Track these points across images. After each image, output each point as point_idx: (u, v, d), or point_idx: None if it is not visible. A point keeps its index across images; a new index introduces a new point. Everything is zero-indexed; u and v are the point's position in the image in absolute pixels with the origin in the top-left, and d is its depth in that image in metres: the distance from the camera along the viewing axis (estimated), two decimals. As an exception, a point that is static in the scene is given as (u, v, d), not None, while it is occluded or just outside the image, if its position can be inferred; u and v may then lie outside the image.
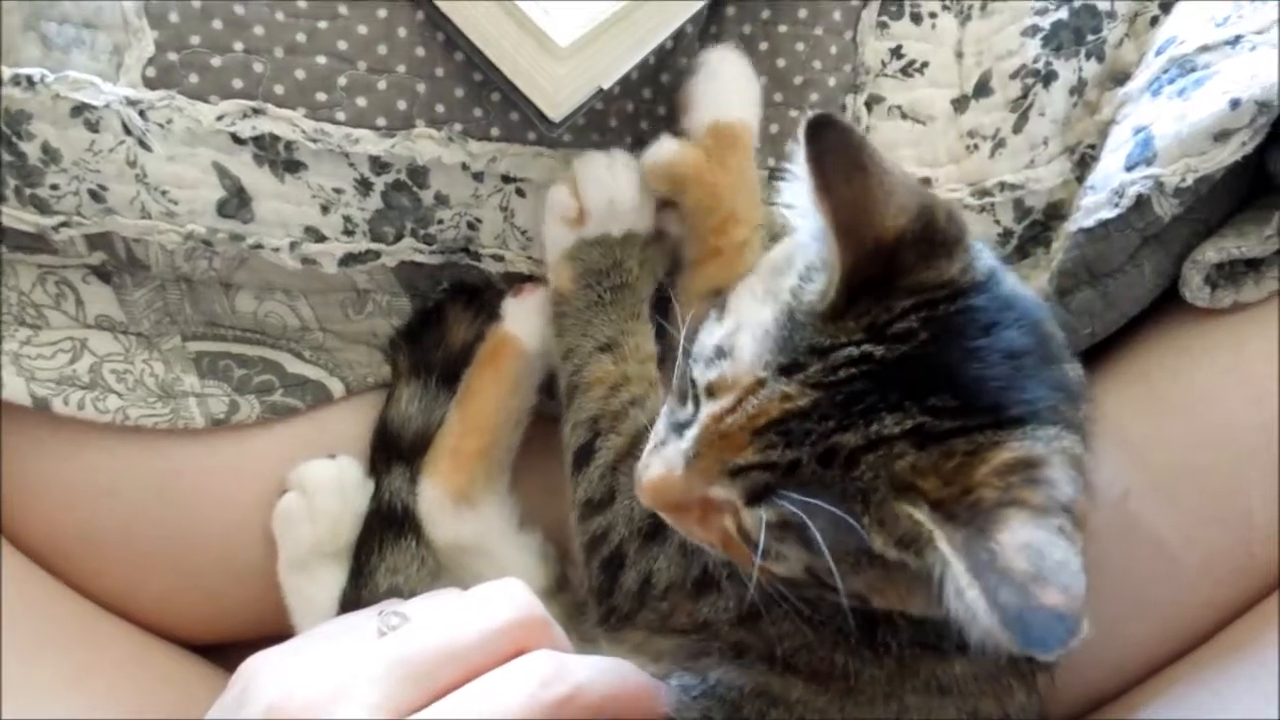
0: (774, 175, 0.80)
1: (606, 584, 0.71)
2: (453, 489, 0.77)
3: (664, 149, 0.74)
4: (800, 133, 0.56)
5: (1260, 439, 0.66)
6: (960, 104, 0.80)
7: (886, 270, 0.55)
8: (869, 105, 0.80)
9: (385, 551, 0.76)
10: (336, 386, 0.81)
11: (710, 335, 0.61)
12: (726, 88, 0.76)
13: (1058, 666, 0.69)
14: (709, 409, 0.58)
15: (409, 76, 0.74)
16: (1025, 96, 0.78)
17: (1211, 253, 0.72)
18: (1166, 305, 0.76)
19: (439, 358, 0.81)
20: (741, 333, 0.58)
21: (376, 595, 0.74)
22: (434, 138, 0.75)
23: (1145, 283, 0.74)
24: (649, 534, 0.69)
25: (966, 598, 0.48)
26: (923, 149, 0.80)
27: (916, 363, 0.54)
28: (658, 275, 0.78)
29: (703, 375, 0.59)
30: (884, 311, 0.55)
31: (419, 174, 0.76)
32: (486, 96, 0.76)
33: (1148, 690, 0.72)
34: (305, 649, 0.59)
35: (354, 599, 0.75)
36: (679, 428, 0.60)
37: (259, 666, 0.56)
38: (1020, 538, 0.49)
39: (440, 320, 0.83)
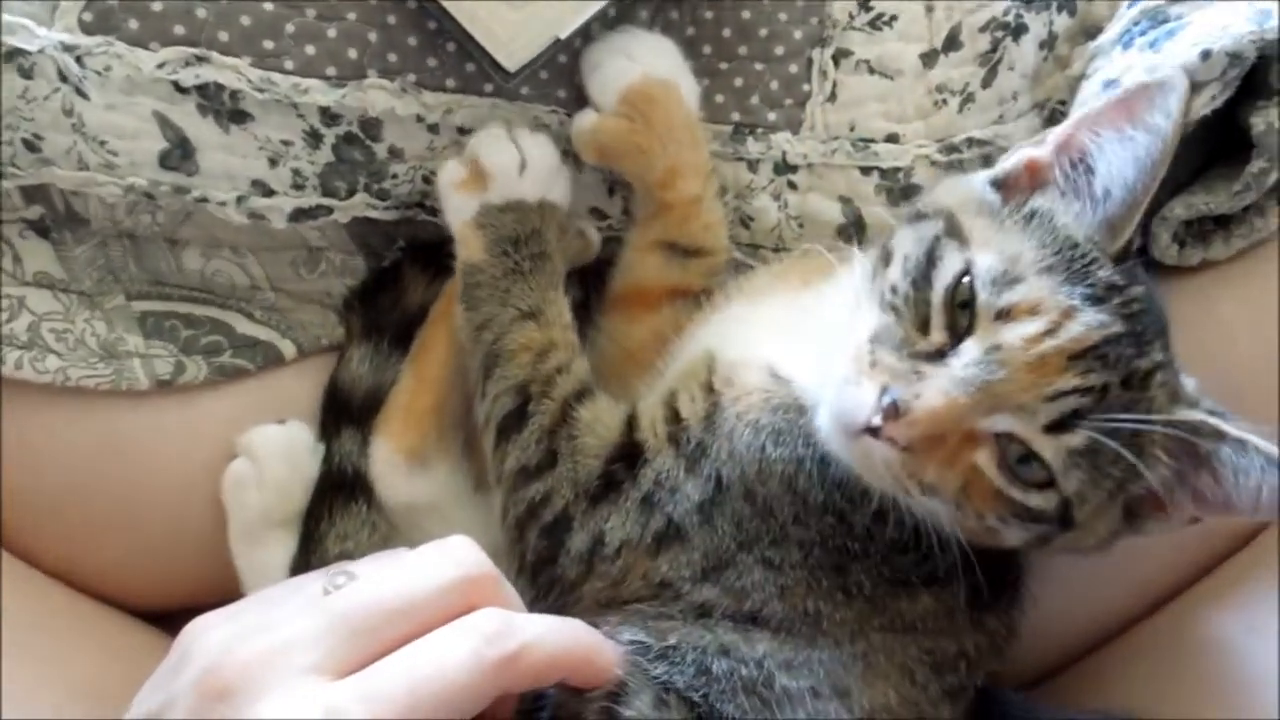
0: (739, 130, 0.79)
1: (549, 551, 0.68)
2: (405, 448, 0.75)
3: (583, 121, 0.73)
4: (1176, 87, 0.60)
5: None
6: (929, 58, 0.78)
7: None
8: (836, 59, 0.78)
9: (335, 517, 0.74)
10: (288, 348, 0.79)
11: (981, 260, 0.60)
12: (616, 57, 0.74)
13: (1014, 609, 0.68)
14: (1017, 332, 0.57)
15: (360, 24, 0.72)
16: (995, 50, 0.76)
17: (1180, 209, 0.71)
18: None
19: (393, 319, 0.79)
20: (1020, 262, 0.60)
21: (326, 561, 0.72)
22: (386, 88, 0.73)
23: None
24: (596, 496, 0.67)
25: (1269, 456, 0.56)
26: (890, 104, 0.78)
27: (1152, 302, 0.62)
28: (570, 260, 0.76)
29: (994, 299, 0.58)
30: (1132, 256, 0.61)
31: (371, 126, 0.73)
32: (441, 46, 0.73)
33: (1113, 652, 0.71)
34: (248, 611, 0.57)
35: (304, 566, 0.73)
36: (930, 356, 0.59)
37: (199, 629, 0.54)
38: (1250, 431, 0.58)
39: (396, 280, 0.81)
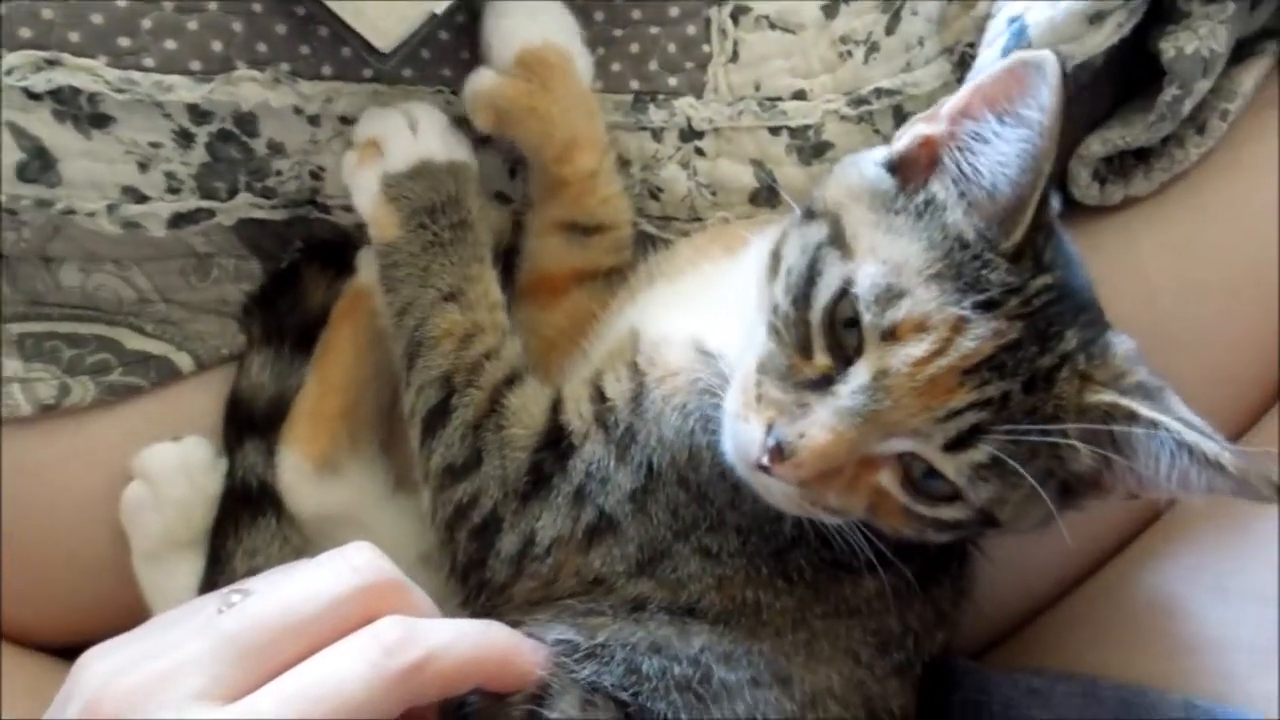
0: (639, 99, 0.75)
1: (479, 554, 0.65)
2: (314, 455, 0.72)
3: (481, 79, 0.69)
4: (1046, 74, 0.54)
5: (1153, 342, 0.63)
6: (830, 9, 0.74)
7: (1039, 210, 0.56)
8: (735, 17, 0.74)
9: (242, 533, 0.70)
10: (185, 361, 0.75)
11: (863, 275, 0.56)
12: (521, 15, 0.70)
13: (962, 576, 0.66)
14: (906, 353, 0.54)
15: (222, 14, 0.68)
16: (896, -5, 0.73)
17: (1097, 146, 0.68)
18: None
19: (294, 322, 0.75)
20: (906, 271, 0.55)
21: (235, 580, 0.67)
22: (258, 80, 0.69)
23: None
24: (526, 494, 0.64)
25: (1179, 439, 0.53)
26: (795, 60, 0.75)
27: (1065, 286, 0.57)
28: (495, 232, 0.73)
29: (878, 319, 0.54)
30: (1038, 244, 0.57)
31: (246, 121, 0.70)
32: (313, 32, 0.69)
33: (1059, 614, 0.69)
34: (139, 637, 0.54)
35: (211, 586, 0.69)
36: (815, 385, 0.56)
37: (87, 660, 0.51)
38: (1182, 406, 0.56)
39: (295, 282, 0.77)
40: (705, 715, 0.58)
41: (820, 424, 0.54)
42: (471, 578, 0.65)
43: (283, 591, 0.52)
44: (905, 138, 0.61)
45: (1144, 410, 0.54)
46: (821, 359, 0.57)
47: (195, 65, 0.68)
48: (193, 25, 0.67)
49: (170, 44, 0.67)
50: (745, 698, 0.59)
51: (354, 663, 0.49)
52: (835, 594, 0.62)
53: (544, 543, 0.63)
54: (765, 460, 0.55)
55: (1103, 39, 0.63)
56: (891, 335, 0.54)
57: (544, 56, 0.69)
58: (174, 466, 0.71)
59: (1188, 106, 0.66)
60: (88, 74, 0.65)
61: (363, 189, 0.68)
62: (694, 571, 0.61)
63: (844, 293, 0.56)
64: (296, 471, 0.71)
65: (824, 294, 0.57)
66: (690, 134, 0.76)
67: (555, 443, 0.64)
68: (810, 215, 0.62)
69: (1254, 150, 0.69)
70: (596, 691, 0.58)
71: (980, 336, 0.54)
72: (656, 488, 0.62)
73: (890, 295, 0.55)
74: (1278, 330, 0.66)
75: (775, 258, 0.61)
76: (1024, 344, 0.55)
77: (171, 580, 0.71)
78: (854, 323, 0.56)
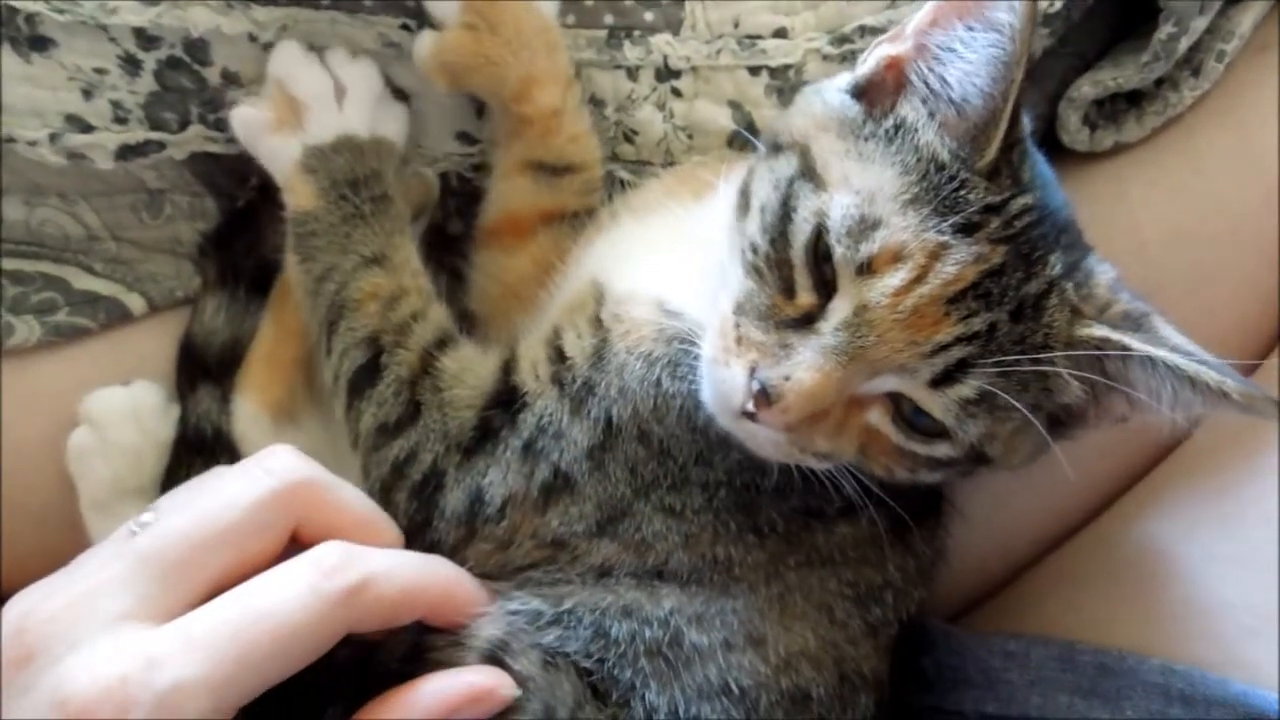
0: (614, 35, 0.72)
1: (421, 514, 0.62)
2: (270, 403, 0.69)
3: (422, 44, 0.66)
4: None
5: (1143, 292, 0.61)
6: (814, -59, 0.71)
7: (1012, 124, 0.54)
8: (713, -51, 0.71)
9: (194, 481, 0.67)
10: (136, 302, 0.72)
11: (835, 208, 0.53)
12: None
13: (939, 528, 0.65)
14: (884, 285, 0.51)
15: (172, -68, 0.64)
16: (881, -73, 0.70)
17: (1087, 88, 0.65)
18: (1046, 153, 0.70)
19: (249, 264, 0.72)
20: (879, 199, 0.53)
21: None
22: (209, 4, 0.65)
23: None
24: (470, 448, 0.61)
25: (1177, 371, 0.51)
26: (776, -5, 0.72)
27: (1045, 206, 0.55)
28: (412, 205, 0.70)
29: (854, 252, 0.52)
30: (1013, 161, 0.54)
31: (197, 48, 0.66)
32: (269, -46, 0.66)
33: (1040, 574, 0.67)
34: (61, 573, 0.52)
35: (162, 536, 0.67)
36: (796, 324, 0.54)
37: (12, 601, 0.50)
38: (1170, 330, 0.54)
39: (252, 222, 0.74)
40: (675, 680, 0.56)
41: (806, 364, 0.52)
42: (417, 542, 0.61)
43: (197, 504, 0.51)
44: (870, 60, 0.58)
45: (1138, 346, 0.52)
46: (805, 297, 0.54)
47: (142, -13, 0.64)
48: (140, -57, 0.64)
49: (115, -38, 0.63)
50: (718, 660, 0.57)
51: (291, 584, 0.48)
52: (808, 543, 0.60)
53: (495, 501, 0.60)
54: (750, 406, 0.53)
55: (1097, -27, 0.61)
56: (868, 268, 0.52)
57: (481, 5, 0.65)
58: (122, 412, 0.68)
59: (1183, 46, 0.63)
60: (26, -8, 0.62)
61: (277, 155, 0.65)
62: (658, 530, 0.59)
63: (822, 225, 0.53)
64: (252, 419, 0.69)
65: (802, 230, 0.54)
66: (666, 73, 0.72)
67: (507, 402, 0.62)
68: (777, 148, 0.59)
69: (1250, 96, 0.66)
70: (559, 656, 0.56)
71: (961, 261, 0.52)
72: (615, 444, 0.60)
73: (864, 226, 0.52)
74: (1271, 281, 0.64)
75: (744, 195, 0.59)
76: (1008, 269, 0.52)
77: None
78: (830, 258, 0.53)
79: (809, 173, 0.56)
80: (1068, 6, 0.62)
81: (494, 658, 0.55)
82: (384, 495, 0.62)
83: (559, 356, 0.62)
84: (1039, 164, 0.57)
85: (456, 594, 0.55)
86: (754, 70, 0.72)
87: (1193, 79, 0.65)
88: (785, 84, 0.72)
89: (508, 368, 0.63)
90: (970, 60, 0.53)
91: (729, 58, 0.72)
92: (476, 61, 0.66)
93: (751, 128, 0.73)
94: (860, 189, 0.54)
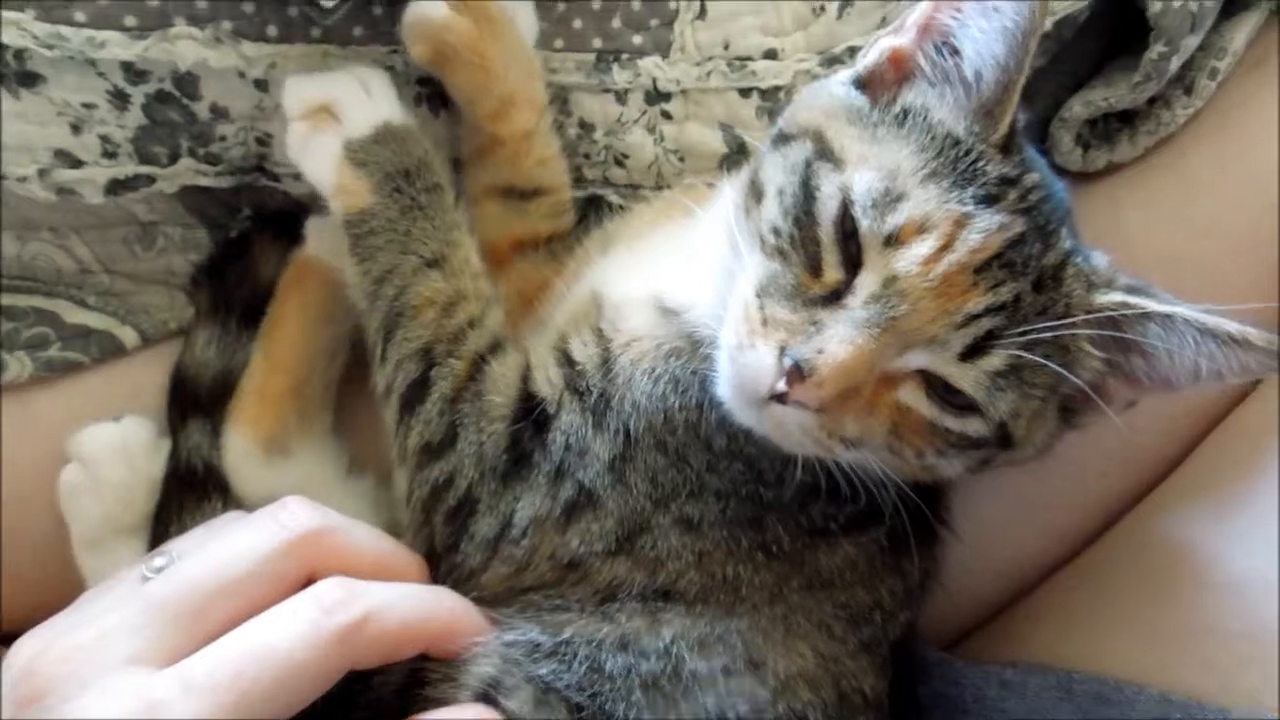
0: (602, 58, 0.71)
1: (453, 538, 0.62)
2: (262, 436, 0.68)
3: (433, 9, 0.64)
4: None
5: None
6: (803, -39, 0.71)
7: None
8: (702, -29, 0.71)
9: (185, 518, 0.67)
10: (129, 335, 0.72)
11: (858, 183, 0.54)
12: None
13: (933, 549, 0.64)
14: (911, 255, 0.52)
15: (158, -34, 0.64)
16: (871, -53, 0.70)
17: (1079, 108, 0.64)
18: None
19: (242, 295, 0.72)
20: (901, 175, 0.54)
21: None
22: (197, 38, 0.65)
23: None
24: (506, 474, 0.61)
25: (1198, 325, 0.52)
26: (766, 17, 0.71)
27: (1048, 185, 0.56)
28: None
29: (878, 224, 0.53)
30: (1019, 141, 0.56)
31: (186, 82, 0.66)
32: (257, -13, 0.66)
33: (1039, 599, 0.67)
34: (69, 614, 0.53)
35: (155, 574, 0.67)
36: (825, 301, 0.54)
37: (18, 644, 0.51)
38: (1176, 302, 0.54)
39: (245, 253, 0.74)
40: (671, 712, 0.56)
41: (839, 338, 0.52)
42: (444, 563, 0.62)
43: (211, 553, 0.52)
44: (872, 53, 0.59)
45: (1155, 305, 0.53)
46: (833, 274, 0.54)
47: (130, 21, 0.64)
48: (126, -22, 0.64)
49: (102, -2, 0.63)
50: (717, 688, 0.57)
51: (291, 622, 0.49)
52: (811, 564, 0.60)
53: (521, 524, 0.60)
54: (783, 385, 0.52)
55: (1088, -8, 0.60)
56: (895, 240, 0.52)
57: (486, 5, 0.65)
58: (112, 448, 0.68)
59: (1175, 65, 0.62)
60: (14, 28, 0.62)
61: (320, 156, 0.64)
62: (674, 547, 0.59)
63: (847, 201, 0.54)
64: (243, 453, 0.68)
65: (828, 206, 0.54)
66: (656, 96, 0.72)
67: (530, 412, 0.61)
68: (784, 139, 0.60)
69: (1243, 114, 0.66)
70: (551, 691, 0.56)
71: (986, 229, 0.53)
72: (634, 454, 0.60)
73: (888, 199, 0.53)
74: (1267, 302, 0.63)
75: (754, 185, 0.59)
76: (1028, 239, 0.54)
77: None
78: (854, 234, 0.54)
79: (827, 154, 0.56)
80: (1059, 26, 0.61)
81: (487, 696, 0.54)
82: (424, 515, 0.62)
83: (568, 361, 0.62)
84: (1033, 150, 0.58)
85: (459, 626, 0.55)
86: (744, 92, 0.72)
87: (1185, 97, 0.65)
88: (776, 105, 0.72)
89: (526, 376, 0.63)
90: (985, 31, 0.54)
91: (719, 80, 0.72)
92: (472, 57, 0.65)
93: (743, 150, 0.73)
94: (880, 166, 0.54)
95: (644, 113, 0.73)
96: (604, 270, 0.67)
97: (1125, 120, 0.66)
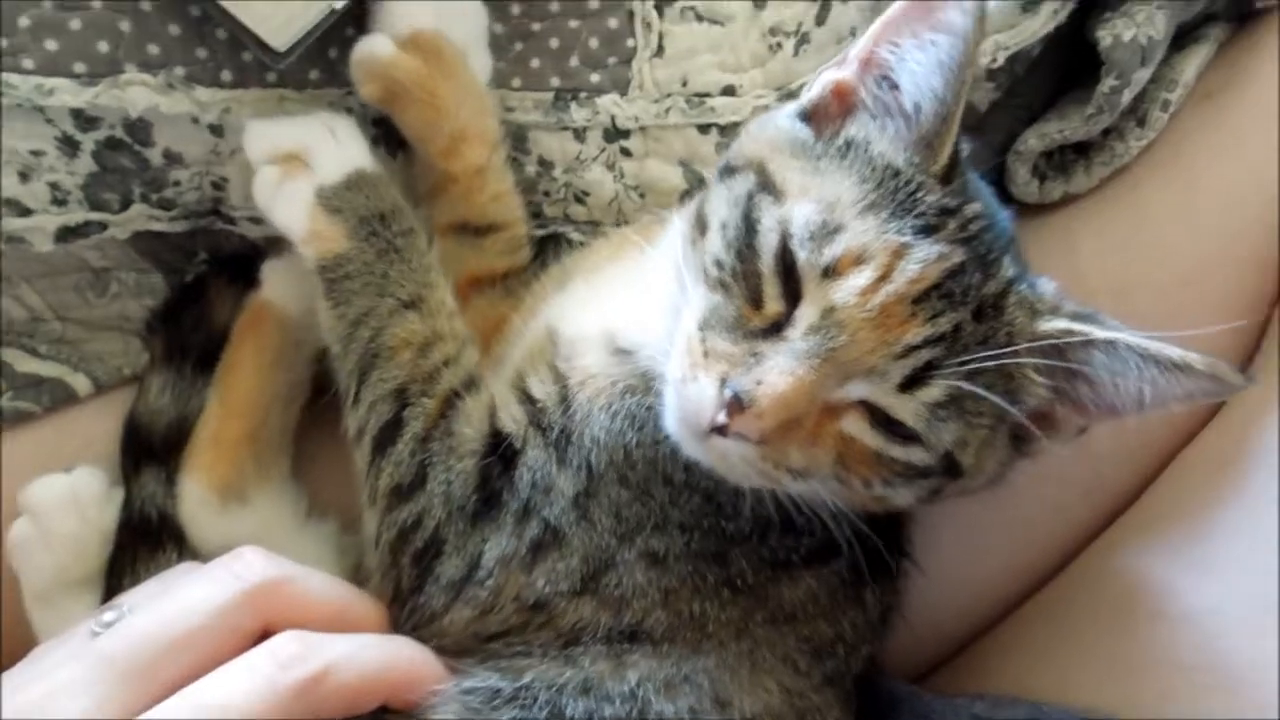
0: (560, 96, 0.71)
1: (418, 580, 0.61)
2: (218, 483, 0.67)
3: (380, 46, 0.65)
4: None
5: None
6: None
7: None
8: (659, 9, 0.71)
9: (140, 569, 0.66)
10: (82, 383, 0.71)
11: (797, 215, 0.54)
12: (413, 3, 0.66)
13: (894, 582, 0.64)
14: (849, 286, 0.52)
15: (108, 12, 0.63)
16: (826, -17, 0.70)
17: (1034, 140, 0.65)
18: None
19: (197, 339, 0.71)
20: (839, 207, 0.54)
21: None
22: (149, 84, 0.64)
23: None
24: (475, 514, 0.60)
25: (1140, 351, 0.52)
26: (724, 54, 0.72)
27: (993, 214, 0.57)
28: None
29: (818, 256, 0.53)
30: (962, 170, 0.56)
31: (138, 129, 0.65)
32: (210, 34, 0.65)
33: (1005, 632, 0.66)
34: (17, 672, 0.52)
35: (108, 628, 0.65)
36: (765, 333, 0.53)
37: None
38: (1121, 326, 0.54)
39: (201, 297, 0.73)
40: None
41: (779, 369, 0.52)
42: (408, 606, 0.61)
43: (162, 606, 0.51)
44: (816, 86, 0.60)
45: (1099, 331, 0.53)
46: (773, 306, 0.54)
47: (79, 68, 0.63)
48: (75, 25, 0.63)
49: (51, 44, 0.63)
50: None
51: (247, 678, 0.48)
52: (774, 597, 0.60)
53: (488, 565, 0.60)
54: (723, 417, 0.52)
55: (1039, 26, 0.61)
56: (833, 271, 0.52)
57: (437, 42, 0.65)
58: (62, 500, 0.66)
59: (1126, 97, 0.63)
60: (-42, 77, 0.61)
61: (292, 204, 0.63)
62: (639, 584, 0.58)
63: (785, 234, 0.54)
64: (199, 501, 0.67)
65: (769, 240, 0.55)
66: (615, 134, 0.72)
67: (498, 448, 0.61)
68: (730, 171, 0.60)
69: (1194, 145, 0.66)
70: None
71: (924, 260, 0.52)
72: (598, 489, 0.59)
73: (826, 231, 0.53)
74: (1223, 332, 0.64)
75: (700, 218, 0.59)
76: (968, 269, 0.53)
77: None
78: (794, 267, 0.54)
79: (768, 186, 0.56)
80: (1011, 60, 0.61)
81: None
82: (391, 557, 0.61)
83: (529, 399, 0.62)
84: (977, 180, 0.58)
85: (418, 676, 0.54)
86: (703, 128, 0.72)
87: (1138, 129, 0.65)
88: (734, 141, 0.72)
89: (492, 412, 0.62)
90: (922, 64, 0.54)
91: (678, 116, 0.72)
92: (422, 95, 0.65)
93: (704, 185, 0.72)
94: (819, 198, 0.54)
95: (603, 150, 0.73)
96: (560, 306, 0.67)
97: (1080, 152, 0.66)
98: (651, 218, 0.69)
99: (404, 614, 0.61)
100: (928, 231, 0.53)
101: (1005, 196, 0.68)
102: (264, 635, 0.52)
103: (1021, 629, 0.65)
